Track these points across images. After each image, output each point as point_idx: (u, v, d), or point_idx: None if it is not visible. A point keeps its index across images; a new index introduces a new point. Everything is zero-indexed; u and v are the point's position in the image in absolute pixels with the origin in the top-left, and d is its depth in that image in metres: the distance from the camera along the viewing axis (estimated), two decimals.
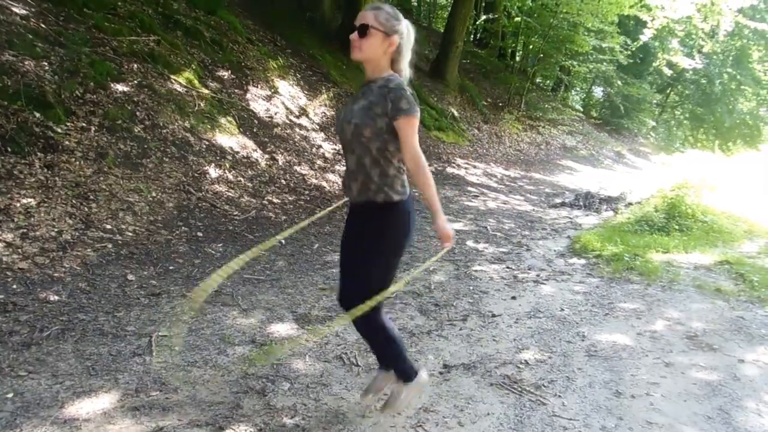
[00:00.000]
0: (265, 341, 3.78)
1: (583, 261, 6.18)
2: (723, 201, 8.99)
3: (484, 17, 21.55)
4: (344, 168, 2.66)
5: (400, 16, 2.50)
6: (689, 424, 3.11)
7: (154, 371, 3.26)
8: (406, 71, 2.59)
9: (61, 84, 5.76)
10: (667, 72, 23.52)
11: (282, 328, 4.02)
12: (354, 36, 2.45)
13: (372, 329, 2.78)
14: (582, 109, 27.20)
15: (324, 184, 7.96)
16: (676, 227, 7.36)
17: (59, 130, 5.41)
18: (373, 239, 2.61)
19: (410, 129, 2.45)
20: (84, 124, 5.73)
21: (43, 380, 3.02)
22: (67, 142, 5.40)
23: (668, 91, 29.91)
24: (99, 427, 2.71)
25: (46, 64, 5.82)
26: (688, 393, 3.45)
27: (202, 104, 7.47)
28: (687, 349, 4.03)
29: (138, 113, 6.40)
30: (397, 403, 2.90)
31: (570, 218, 8.87)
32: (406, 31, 2.52)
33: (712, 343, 4.11)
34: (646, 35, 16.56)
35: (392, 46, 2.48)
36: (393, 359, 2.89)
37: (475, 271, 5.72)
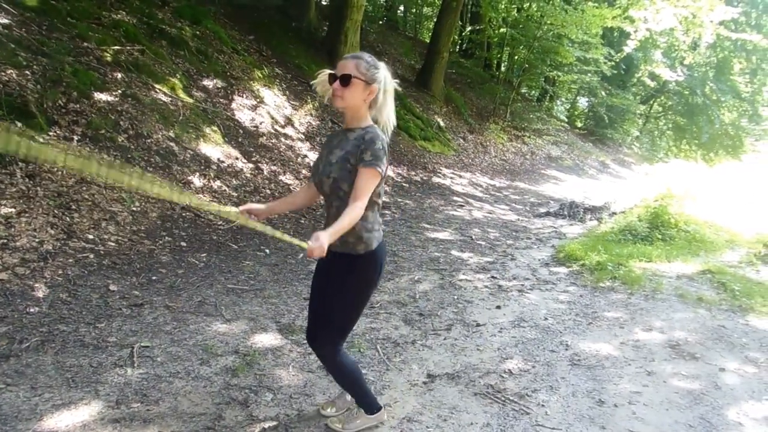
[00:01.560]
0: (249, 352, 3.76)
1: (567, 270, 6.21)
2: (705, 211, 9.08)
3: (469, 28, 21.72)
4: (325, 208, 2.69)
5: (379, 64, 2.56)
6: None
7: (135, 382, 3.23)
8: (388, 119, 2.63)
9: (43, 93, 5.72)
10: (650, 83, 23.81)
11: (266, 339, 4.00)
12: (336, 85, 2.49)
13: (336, 367, 2.83)
14: (567, 120, 27.44)
15: None
16: (659, 237, 7.42)
17: (41, 140, 5.37)
18: (342, 283, 2.66)
19: (365, 179, 2.44)
20: (67, 134, 5.69)
21: (22, 392, 2.98)
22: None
23: (652, 102, 30.24)
24: None
25: (28, 73, 5.78)
26: (670, 402, 3.47)
27: (186, 114, 7.44)
28: (669, 358, 4.06)
29: (122, 123, 6.36)
30: (351, 424, 3.01)
31: (554, 228, 8.92)
32: (384, 79, 2.56)
33: (693, 352, 4.14)
34: (629, 46, 16.73)
35: (372, 94, 2.53)
36: (356, 395, 2.99)
37: (460, 280, 5.73)
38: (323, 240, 2.28)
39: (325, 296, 2.75)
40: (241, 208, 2.67)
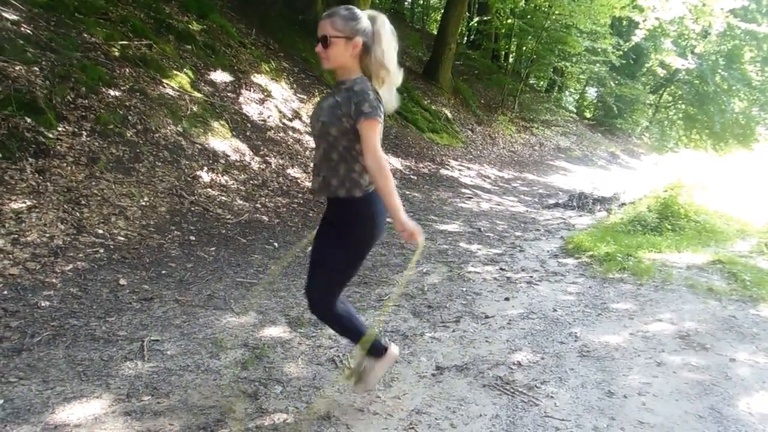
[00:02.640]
0: (258, 345, 3.77)
1: (576, 261, 6.19)
2: (716, 201, 9.03)
3: (477, 19, 21.63)
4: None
5: (358, 14, 2.51)
6: (681, 424, 3.12)
7: (145, 376, 3.25)
8: (391, 66, 2.58)
9: (52, 89, 5.75)
10: (660, 72, 23.64)
11: (275, 332, 4.01)
12: (319, 48, 2.51)
13: (332, 319, 2.86)
14: (575, 110, 27.30)
15: None
16: (669, 227, 7.38)
17: (50, 135, 5.40)
18: (336, 235, 2.69)
19: (371, 131, 2.47)
20: (75, 129, 5.71)
21: (34, 386, 3.01)
22: (58, 147, 5.39)
23: (661, 92, 30.02)
24: None
25: (37, 69, 5.81)
26: (680, 392, 3.45)
27: (194, 108, 7.46)
28: (679, 349, 4.04)
29: (130, 118, 6.39)
30: (369, 378, 3.02)
31: (563, 219, 8.89)
32: (370, 26, 2.52)
33: (704, 343, 4.13)
34: (638, 36, 16.61)
35: (356, 47, 2.51)
36: (355, 339, 2.97)
37: (469, 272, 5.73)
38: (403, 221, 2.51)
39: (318, 247, 2.80)
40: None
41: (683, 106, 30.18)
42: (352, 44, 2.49)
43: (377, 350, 3.00)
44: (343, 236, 2.67)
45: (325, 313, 2.83)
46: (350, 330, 2.94)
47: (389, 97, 2.67)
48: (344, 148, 2.54)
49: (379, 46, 2.55)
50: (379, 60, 2.56)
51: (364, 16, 2.52)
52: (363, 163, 2.57)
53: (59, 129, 5.56)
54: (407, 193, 9.25)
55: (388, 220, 2.61)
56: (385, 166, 2.50)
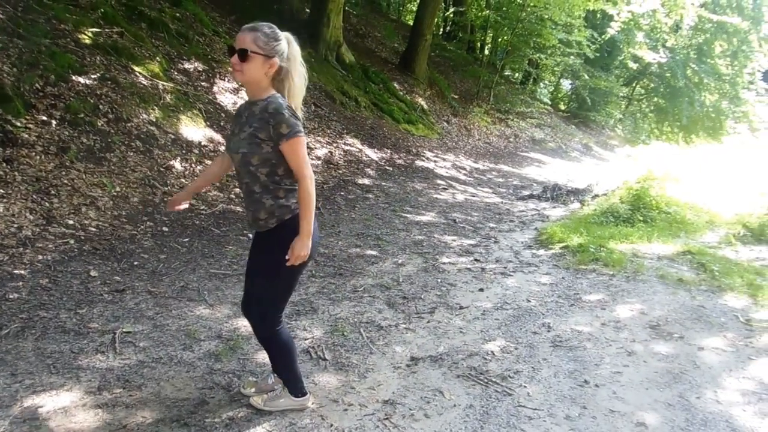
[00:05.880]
0: (232, 336, 3.75)
1: (549, 252, 6.25)
2: (686, 192, 9.16)
3: (452, 10, 21.63)
4: None
5: (279, 35, 2.48)
6: (650, 412, 3.18)
7: (117, 368, 3.22)
8: (296, 89, 2.57)
9: (19, 76, 5.62)
10: (633, 65, 23.87)
11: (248, 323, 3.98)
12: (234, 59, 2.43)
13: (267, 342, 2.86)
14: (550, 102, 27.47)
15: None
16: (641, 218, 7.48)
17: (18, 124, 5.29)
18: (268, 256, 2.64)
19: (294, 152, 2.47)
20: (45, 118, 5.60)
21: (2, 379, 2.96)
22: (26, 136, 5.28)
23: (634, 84, 30.32)
24: (60, 426, 2.67)
25: (3, 55, 5.67)
26: (649, 381, 3.52)
27: (167, 97, 7.35)
28: (649, 339, 4.11)
29: (101, 106, 6.27)
30: (274, 403, 3.00)
31: (537, 210, 8.96)
32: (288, 48, 2.50)
33: (673, 332, 4.20)
34: (612, 29, 16.75)
35: (273, 67, 2.46)
36: (284, 370, 2.97)
37: (443, 263, 5.75)
38: (297, 247, 2.50)
39: (252, 273, 2.78)
40: (168, 207, 2.92)
41: (655, 99, 30.51)
42: (270, 63, 2.44)
43: (296, 390, 2.99)
44: (275, 260, 2.60)
45: (264, 334, 2.81)
46: (286, 363, 2.92)
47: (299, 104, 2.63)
48: (266, 176, 2.51)
49: (294, 68, 2.53)
50: (284, 80, 2.54)
51: (284, 38, 2.49)
52: (288, 186, 2.57)
53: (27, 117, 5.45)
54: (383, 184, 9.24)
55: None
56: (311, 187, 2.50)
